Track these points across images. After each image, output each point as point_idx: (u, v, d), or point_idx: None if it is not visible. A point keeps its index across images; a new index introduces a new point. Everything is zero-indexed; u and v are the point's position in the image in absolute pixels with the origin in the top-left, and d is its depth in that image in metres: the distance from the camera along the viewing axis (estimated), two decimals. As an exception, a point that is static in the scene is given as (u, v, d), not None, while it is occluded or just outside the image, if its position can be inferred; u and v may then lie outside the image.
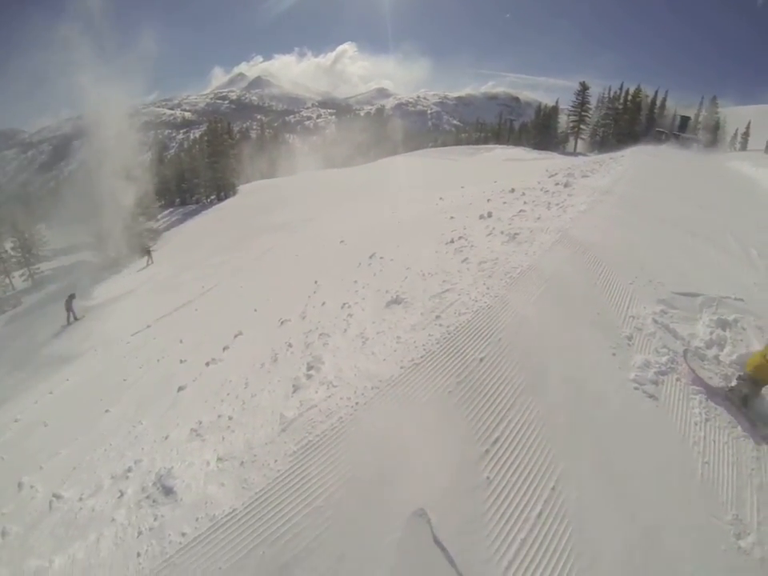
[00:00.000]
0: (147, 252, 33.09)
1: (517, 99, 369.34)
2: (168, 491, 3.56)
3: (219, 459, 3.72)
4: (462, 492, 2.96)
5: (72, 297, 22.21)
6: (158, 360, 10.35)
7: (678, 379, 4.18)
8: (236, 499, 3.17)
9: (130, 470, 4.52)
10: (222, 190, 51.97)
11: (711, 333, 5.07)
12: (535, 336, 4.59)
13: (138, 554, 3.07)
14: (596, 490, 3.02)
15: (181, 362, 8.95)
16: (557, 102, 69.12)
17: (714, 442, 3.56)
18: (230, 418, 4.53)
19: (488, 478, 3.04)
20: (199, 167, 53.26)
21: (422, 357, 4.23)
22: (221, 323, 11.16)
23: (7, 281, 34.95)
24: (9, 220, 38.49)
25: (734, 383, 4.11)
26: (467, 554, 2.61)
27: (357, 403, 3.78)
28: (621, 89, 62.80)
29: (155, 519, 3.32)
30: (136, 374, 10.02)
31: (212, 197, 53.31)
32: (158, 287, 23.34)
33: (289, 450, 3.45)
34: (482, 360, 4.10)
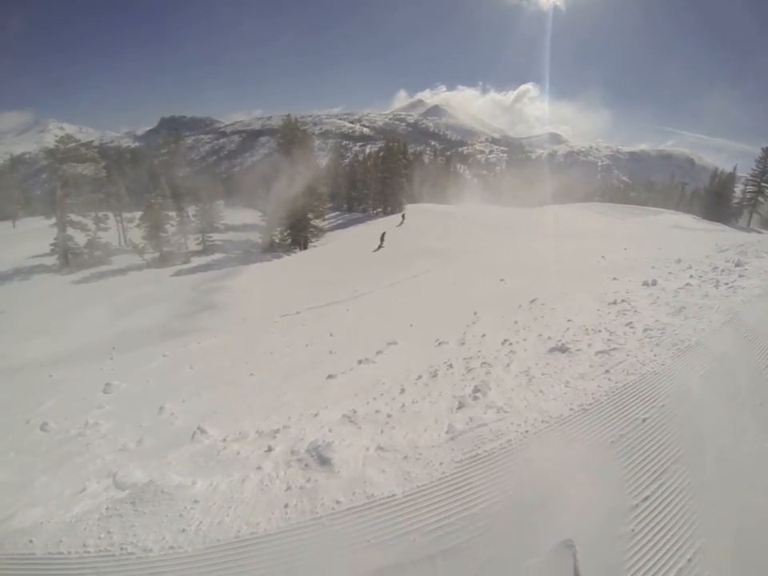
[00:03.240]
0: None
1: (692, 161, 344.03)
2: (324, 461, 3.85)
3: (380, 448, 3.99)
4: (608, 536, 3.02)
5: None
6: (306, 345, 11.04)
7: None
8: (396, 486, 3.40)
9: (277, 431, 4.93)
10: (389, 205, 53.62)
11: None
12: (697, 411, 4.53)
13: (287, 506, 3.38)
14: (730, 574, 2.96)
15: (330, 352, 9.55)
16: (734, 169, 60.16)
17: None
18: (389, 416, 4.82)
19: (633, 530, 3.09)
20: (370, 180, 55.28)
21: (590, 404, 4.37)
22: (373, 328, 11.73)
23: (183, 240, 38.50)
24: (194, 191, 42.40)
25: None
26: None
27: (527, 431, 3.97)
28: None
29: (308, 481, 3.62)
30: (283, 351, 10.82)
31: (378, 209, 55.17)
32: (312, 281, 24.50)
33: (456, 457, 3.67)
34: (644, 420, 4.16)
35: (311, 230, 40.92)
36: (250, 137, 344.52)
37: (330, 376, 7.48)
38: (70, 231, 33.02)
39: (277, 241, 39.80)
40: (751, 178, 54.55)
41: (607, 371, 5.12)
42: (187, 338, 14.88)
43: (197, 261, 35.39)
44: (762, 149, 53.77)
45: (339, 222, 51.13)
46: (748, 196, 55.24)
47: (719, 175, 59.23)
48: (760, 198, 54.26)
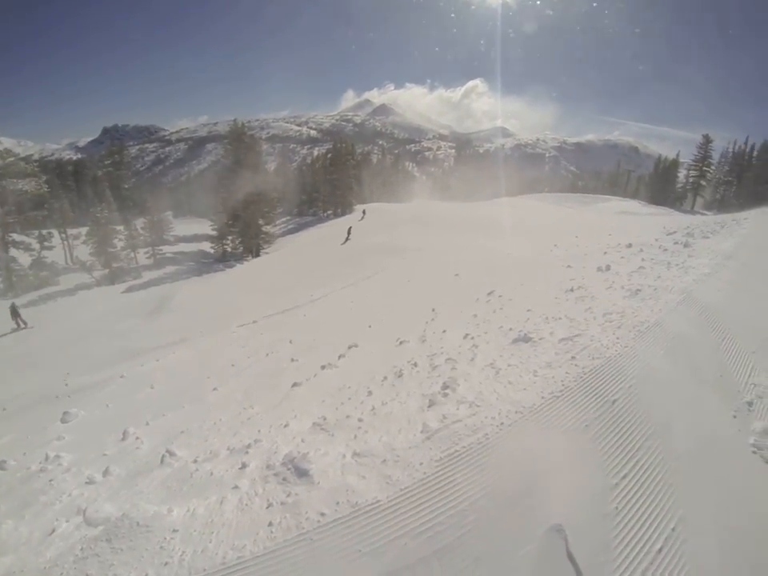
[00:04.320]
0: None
1: (637, 150, 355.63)
2: (302, 473, 3.77)
3: (357, 454, 3.92)
4: (593, 516, 3.13)
5: (14, 305, 22.47)
6: (267, 354, 10.85)
7: None
8: (379, 492, 3.36)
9: (249, 446, 4.82)
10: (339, 206, 53.64)
11: None
12: (662, 388, 4.78)
13: (270, 524, 3.28)
14: (713, 539, 3.10)
15: (292, 360, 9.38)
16: (677, 155, 63.85)
17: None
18: (361, 420, 4.77)
19: (617, 507, 3.21)
20: (319, 182, 55.24)
21: (560, 391, 4.46)
22: (332, 332, 11.60)
23: (132, 255, 37.72)
24: (142, 203, 41.61)
25: None
26: (594, 574, 2.76)
27: (502, 423, 4.00)
28: (746, 144, 57.51)
29: (288, 496, 3.54)
30: (244, 362, 10.58)
31: (329, 212, 55.13)
32: (267, 288, 24.22)
33: (435, 456, 3.65)
34: (614, 402, 4.32)
35: (263, 236, 40.61)
36: (197, 144, 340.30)
37: (294, 384, 7.38)
38: (13, 252, 31.67)
39: (229, 250, 39.40)
40: (693, 164, 57.73)
41: (573, 357, 5.24)
42: (144, 356, 14.41)
43: (148, 275, 34.36)
44: (703, 136, 57.57)
45: (290, 226, 50.93)
46: (691, 180, 58.22)
47: (663, 162, 62.80)
48: (702, 182, 57.56)
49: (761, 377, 5.34)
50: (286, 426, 5.33)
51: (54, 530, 4.02)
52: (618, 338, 5.67)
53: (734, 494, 3.53)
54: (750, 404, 4.77)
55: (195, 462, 4.88)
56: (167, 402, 8.49)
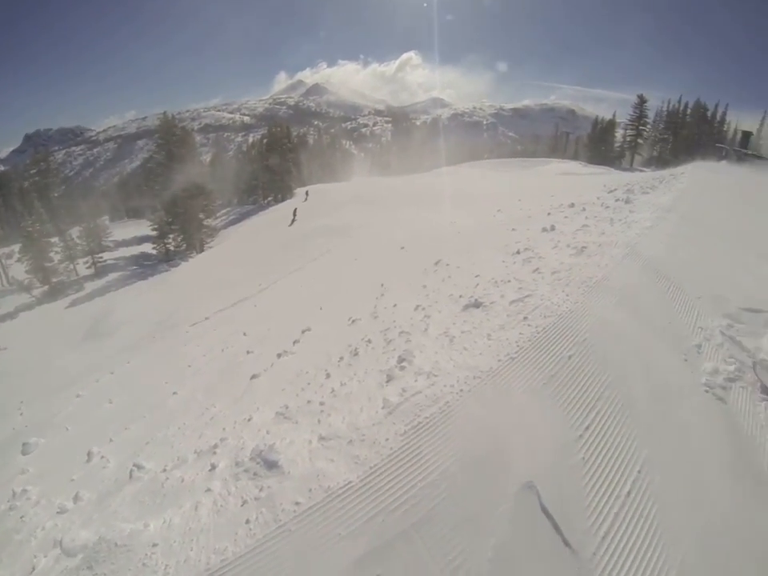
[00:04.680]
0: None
1: (573, 112, 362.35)
2: (271, 465, 3.72)
3: (323, 438, 3.89)
4: (562, 469, 3.24)
5: None
6: (222, 350, 10.71)
7: (744, 387, 4.48)
8: (350, 473, 3.34)
9: (215, 446, 4.75)
10: (279, 192, 52.75)
11: None
12: (616, 338, 4.95)
13: (248, 521, 3.23)
14: (677, 475, 3.33)
15: (248, 352, 9.27)
16: (614, 116, 66.21)
17: None
18: (322, 404, 4.74)
19: (583, 458, 3.34)
20: (257, 170, 54.20)
21: (516, 352, 4.54)
22: (284, 319, 11.50)
23: (71, 267, 36.25)
24: (75, 210, 40.00)
25: None
26: (569, 524, 2.87)
27: (461, 390, 4.03)
28: (679, 102, 60.45)
29: (261, 490, 3.49)
30: (201, 362, 10.42)
31: (269, 198, 54.19)
32: (215, 282, 23.82)
33: (399, 430, 3.66)
34: (570, 357, 4.44)
35: (205, 230, 39.66)
36: (126, 142, 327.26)
37: (253, 376, 7.31)
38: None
39: (172, 248, 38.27)
40: (630, 123, 59.87)
41: (525, 318, 5.33)
42: (97, 371, 13.96)
43: (91, 286, 33.08)
44: (638, 96, 59.41)
45: (232, 217, 49.90)
46: (628, 139, 60.36)
47: (600, 123, 64.91)
48: (639, 141, 59.89)
49: (706, 320, 5.64)
50: (249, 419, 5.28)
51: (34, 568, 3.93)
52: (567, 295, 5.79)
53: (692, 431, 3.76)
54: (698, 347, 5.05)
55: (164, 471, 4.78)
56: (128, 415, 8.27)
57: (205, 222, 39.88)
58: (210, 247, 38.41)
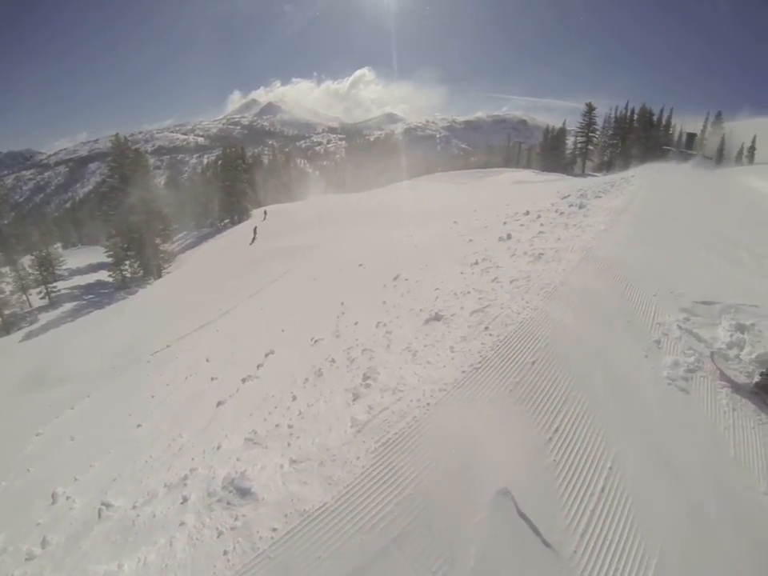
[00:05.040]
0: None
1: (525, 122, 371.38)
2: (245, 492, 3.66)
3: (294, 461, 3.84)
4: (535, 473, 3.30)
5: None
6: (186, 378, 10.51)
7: (704, 376, 4.73)
8: (324, 494, 3.31)
9: (186, 477, 4.64)
10: (236, 213, 52.46)
11: (731, 336, 5.60)
12: (577, 341, 5.10)
13: (225, 552, 3.16)
14: (647, 467, 3.45)
15: (212, 379, 9.11)
16: (564, 124, 69.24)
17: (743, 427, 4.08)
18: (290, 426, 4.69)
19: (555, 460, 3.42)
20: (213, 191, 53.83)
21: (479, 362, 4.59)
22: (247, 343, 11.34)
23: (24, 298, 35.26)
24: (26, 238, 39.02)
25: (757, 378, 4.58)
26: (547, 525, 2.92)
27: (428, 404, 4.05)
28: (626, 108, 63.19)
29: (236, 519, 3.42)
30: (164, 391, 10.21)
31: (226, 220, 53.81)
32: (174, 309, 23.55)
33: (370, 448, 3.64)
34: (533, 363, 4.54)
35: (162, 255, 39.14)
36: (78, 165, 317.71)
37: (219, 403, 7.18)
38: None
39: (128, 275, 37.61)
40: (580, 130, 62.69)
41: (486, 328, 5.40)
42: (57, 406, 13.54)
43: (46, 317, 32.23)
44: (586, 104, 62.54)
45: (189, 241, 49.49)
46: (579, 146, 62.81)
47: (551, 131, 67.43)
48: (590, 147, 62.75)
49: (663, 316, 5.90)
50: (218, 448, 5.18)
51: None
52: (527, 303, 5.91)
53: (658, 423, 3.93)
54: (658, 342, 5.28)
55: (135, 507, 4.65)
56: (92, 451, 8.00)
57: (161, 247, 39.44)
58: (168, 272, 37.92)
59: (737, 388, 4.56)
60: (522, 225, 12.15)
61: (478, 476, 3.25)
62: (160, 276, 37.56)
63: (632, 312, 5.95)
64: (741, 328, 5.75)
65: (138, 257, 37.54)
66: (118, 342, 20.19)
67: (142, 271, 37.69)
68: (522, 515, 2.94)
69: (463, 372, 4.45)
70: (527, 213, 14.03)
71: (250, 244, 33.29)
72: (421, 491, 3.17)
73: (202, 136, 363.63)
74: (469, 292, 7.05)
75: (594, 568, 2.74)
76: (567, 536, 2.87)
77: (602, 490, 3.20)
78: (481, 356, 4.70)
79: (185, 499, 4.13)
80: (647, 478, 3.34)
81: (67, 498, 6.20)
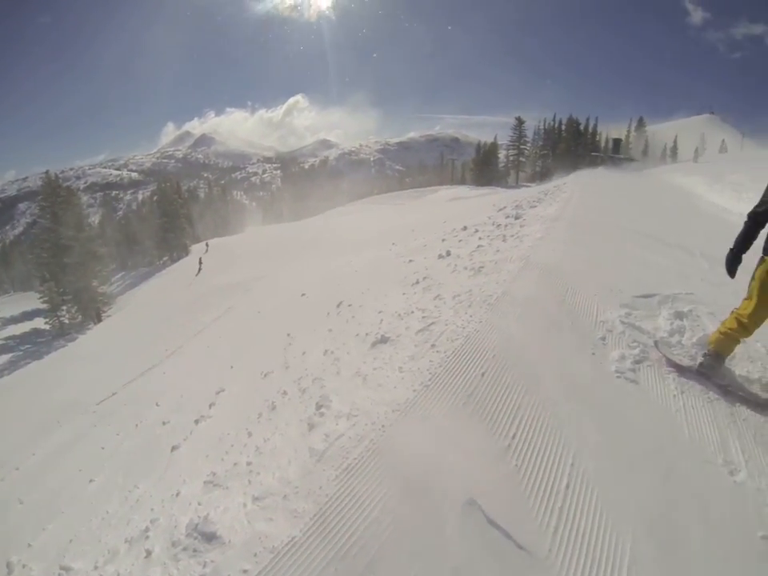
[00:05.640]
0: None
1: (457, 139, 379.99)
2: (210, 537, 3.57)
3: (256, 499, 3.78)
4: (498, 480, 3.35)
5: None
6: (136, 425, 10.15)
7: (650, 365, 4.89)
8: (292, 528, 3.25)
9: (147, 530, 4.51)
10: (174, 250, 51.48)
11: (671, 324, 5.82)
12: (524, 348, 5.20)
13: None
14: (608, 458, 3.55)
15: (164, 423, 8.88)
16: (495, 139, 71.44)
17: (693, 407, 4.24)
18: (249, 463, 4.62)
19: (516, 465, 3.46)
20: (150, 228, 52.81)
21: (429, 380, 4.61)
22: (196, 383, 11.11)
23: (-46, 353, 33.50)
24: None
25: (701, 359, 4.78)
26: (518, 529, 2.96)
27: (383, 425, 4.06)
28: (554, 120, 66.02)
29: (204, 566, 3.33)
30: (114, 441, 9.85)
31: (164, 258, 52.71)
32: (117, 353, 22.80)
33: (331, 476, 3.62)
34: (483, 374, 4.59)
35: (101, 298, 38.00)
36: (7, 206, 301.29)
37: (173, 448, 7.01)
38: None
39: (67, 321, 36.28)
40: (511, 144, 65.35)
41: (433, 345, 5.45)
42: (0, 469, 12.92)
43: (-22, 372, 30.63)
44: (516, 118, 66.00)
45: (128, 281, 48.27)
46: (511, 159, 65.31)
47: (483, 147, 69.33)
48: (521, 159, 64.95)
49: (605, 313, 6.05)
50: (177, 494, 5.04)
51: None
52: (471, 316, 6.01)
53: (611, 415, 4.06)
54: (603, 339, 5.42)
55: (96, 568, 4.48)
56: (43, 513, 7.67)
57: (100, 290, 38.31)
58: (109, 316, 36.75)
59: (683, 372, 4.77)
60: (460, 240, 12.41)
61: (442, 490, 3.28)
62: (100, 320, 36.35)
63: (575, 313, 6.11)
64: (680, 315, 6.03)
65: (76, 301, 36.29)
66: (61, 395, 19.28)
67: (80, 316, 36.45)
68: (492, 522, 2.99)
69: (414, 391, 4.48)
70: (465, 228, 14.34)
71: (196, 275, 33.19)
72: (387, 512, 3.18)
73: (135, 171, 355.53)
74: (413, 312, 7.11)
75: (570, 563, 2.80)
76: (540, 536, 2.93)
77: (567, 486, 3.28)
78: (430, 373, 4.74)
79: (148, 553, 4.01)
80: (609, 469, 3.45)
81: (23, 566, 5.97)
